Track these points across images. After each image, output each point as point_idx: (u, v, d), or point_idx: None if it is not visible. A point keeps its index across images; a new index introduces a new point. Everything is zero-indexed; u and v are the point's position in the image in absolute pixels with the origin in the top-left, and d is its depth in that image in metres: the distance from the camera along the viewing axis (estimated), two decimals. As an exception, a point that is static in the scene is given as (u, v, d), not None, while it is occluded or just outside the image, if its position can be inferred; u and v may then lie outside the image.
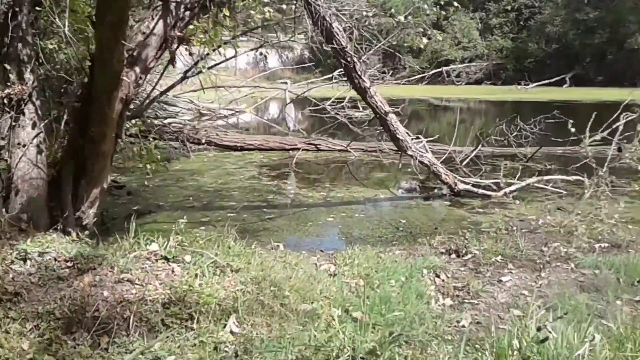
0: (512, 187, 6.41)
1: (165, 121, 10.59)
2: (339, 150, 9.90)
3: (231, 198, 6.45)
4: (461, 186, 6.26)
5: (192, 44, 3.28)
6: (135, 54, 3.18)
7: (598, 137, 7.45)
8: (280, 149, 10.04)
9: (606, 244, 4.34)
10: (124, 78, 3.03)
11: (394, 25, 5.91)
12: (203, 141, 9.78)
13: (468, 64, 34.02)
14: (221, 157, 9.49)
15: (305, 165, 8.94)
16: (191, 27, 3.21)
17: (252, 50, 6.14)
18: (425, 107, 22.00)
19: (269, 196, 6.55)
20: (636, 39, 34.71)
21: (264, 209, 5.97)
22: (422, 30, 5.71)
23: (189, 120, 16.01)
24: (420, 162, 5.84)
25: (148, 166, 6.25)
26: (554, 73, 36.09)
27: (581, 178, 6.98)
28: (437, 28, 22.86)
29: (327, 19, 4.84)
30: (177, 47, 3.35)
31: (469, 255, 3.93)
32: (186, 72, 3.68)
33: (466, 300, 3.29)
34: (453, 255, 3.99)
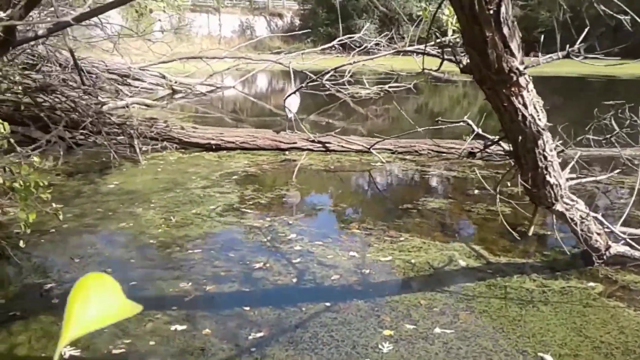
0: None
1: (106, 107, 7.55)
2: (357, 152, 6.95)
3: (193, 277, 3.44)
4: (615, 249, 3.38)
5: None
6: None
7: None
8: (273, 148, 7.04)
9: None
10: None
11: None
12: (161, 138, 6.80)
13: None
14: (186, 162, 6.43)
15: (312, 177, 5.94)
16: None
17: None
18: (425, 80, 19.22)
19: (273, 276, 3.54)
20: (658, 8, 32.11)
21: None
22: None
23: (159, 98, 12.87)
24: (570, 219, 2.95)
25: (23, 216, 3.29)
26: (564, 44, 33.26)
27: None
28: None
29: None
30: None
31: None
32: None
33: None
34: None
